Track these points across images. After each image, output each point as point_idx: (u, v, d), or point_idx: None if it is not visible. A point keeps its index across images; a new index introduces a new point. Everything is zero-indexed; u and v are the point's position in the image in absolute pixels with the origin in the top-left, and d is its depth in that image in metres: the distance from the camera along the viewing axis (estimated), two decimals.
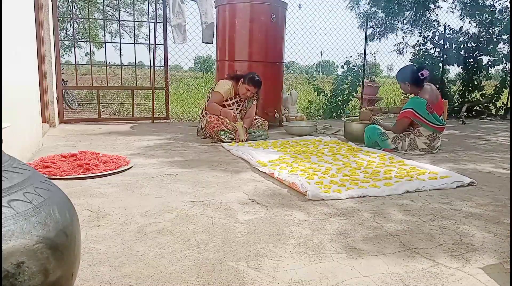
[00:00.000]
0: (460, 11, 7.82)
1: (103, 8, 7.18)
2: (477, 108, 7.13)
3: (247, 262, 1.40)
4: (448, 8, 8.72)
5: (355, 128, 4.00)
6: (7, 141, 2.17)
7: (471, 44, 7.04)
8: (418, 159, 3.22)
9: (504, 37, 6.87)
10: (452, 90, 7.35)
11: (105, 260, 1.39)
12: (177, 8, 5.14)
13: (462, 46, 7.05)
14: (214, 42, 5.13)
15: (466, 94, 7.18)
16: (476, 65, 7.04)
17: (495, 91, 7.08)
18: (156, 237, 1.60)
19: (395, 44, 9.61)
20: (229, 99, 3.98)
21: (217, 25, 4.94)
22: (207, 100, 4.07)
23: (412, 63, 3.55)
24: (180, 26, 5.16)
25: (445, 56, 7.08)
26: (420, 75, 3.44)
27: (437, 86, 7.09)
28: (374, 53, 7.96)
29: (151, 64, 5.33)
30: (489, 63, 7.02)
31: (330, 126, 4.97)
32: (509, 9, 7.14)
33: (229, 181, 2.46)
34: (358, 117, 4.21)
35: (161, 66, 5.44)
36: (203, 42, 5.33)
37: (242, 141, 3.68)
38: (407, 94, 4.25)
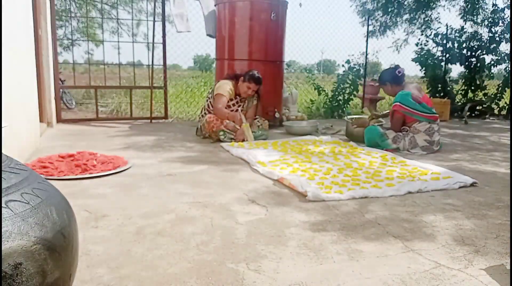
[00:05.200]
0: (461, 11, 7.77)
1: (101, 6, 7.14)
2: (480, 107, 7.10)
3: (247, 264, 1.39)
4: (449, 8, 8.67)
5: (357, 129, 3.97)
6: (4, 141, 2.15)
7: (474, 43, 7.02)
8: (420, 159, 3.21)
9: (506, 36, 6.83)
10: (454, 89, 7.33)
11: (103, 262, 1.37)
12: None
13: (464, 45, 7.02)
14: (214, 41, 5.10)
15: (469, 94, 7.16)
16: (478, 64, 7.02)
17: (498, 91, 7.06)
18: (154, 239, 1.58)
19: (394, 41, 9.58)
20: (229, 100, 3.94)
21: (216, 23, 4.92)
22: (207, 100, 4.05)
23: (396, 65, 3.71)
24: (182, 15, 5.11)
25: (447, 55, 7.06)
26: (397, 73, 3.65)
27: (439, 85, 7.11)
28: (377, 52, 7.91)
29: (150, 63, 5.30)
30: (492, 62, 7.00)
31: (331, 126, 4.94)
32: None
33: (228, 181, 2.45)
34: (357, 119, 4.15)
35: (159, 65, 5.41)
36: (207, 35, 5.26)
37: (243, 141, 3.66)
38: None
